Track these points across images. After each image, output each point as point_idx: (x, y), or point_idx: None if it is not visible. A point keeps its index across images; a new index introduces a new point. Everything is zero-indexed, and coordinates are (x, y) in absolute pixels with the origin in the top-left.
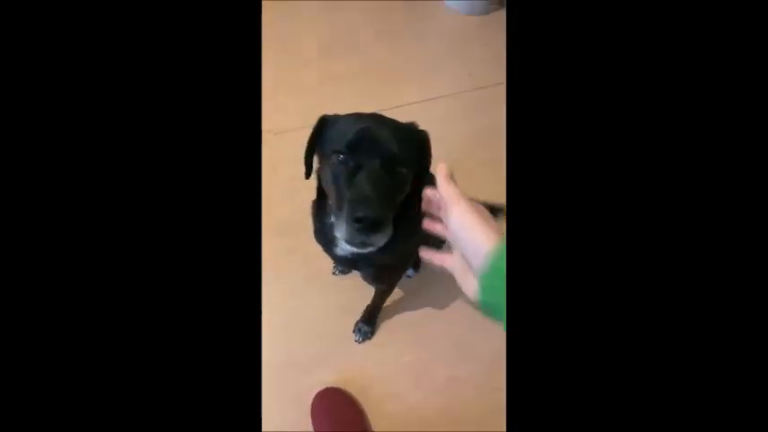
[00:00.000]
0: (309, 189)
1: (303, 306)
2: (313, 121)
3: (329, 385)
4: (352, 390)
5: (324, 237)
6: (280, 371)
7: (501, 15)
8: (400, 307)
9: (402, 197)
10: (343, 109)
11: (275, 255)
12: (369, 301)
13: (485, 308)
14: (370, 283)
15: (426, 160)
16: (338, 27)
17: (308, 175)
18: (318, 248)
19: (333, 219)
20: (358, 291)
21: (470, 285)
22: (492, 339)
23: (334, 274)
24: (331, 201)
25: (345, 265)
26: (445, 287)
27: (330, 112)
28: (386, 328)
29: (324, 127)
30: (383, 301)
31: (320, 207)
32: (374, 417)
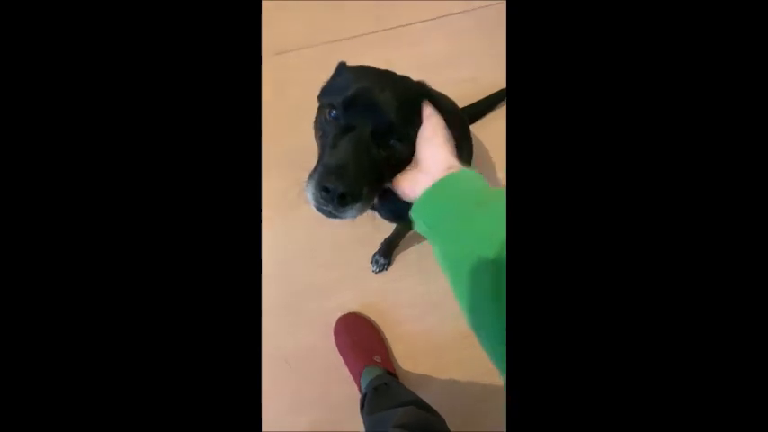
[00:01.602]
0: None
1: (320, 237)
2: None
3: (348, 309)
4: (369, 313)
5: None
6: (301, 294)
7: None
8: (415, 241)
9: (392, 173)
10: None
11: (291, 185)
12: (384, 235)
13: (416, 215)
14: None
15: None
16: None
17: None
18: None
19: (306, 188)
20: (372, 224)
21: (411, 187)
22: None
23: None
24: (319, 163)
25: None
26: None
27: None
28: (401, 261)
29: (337, 75)
30: (401, 237)
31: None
32: (392, 337)
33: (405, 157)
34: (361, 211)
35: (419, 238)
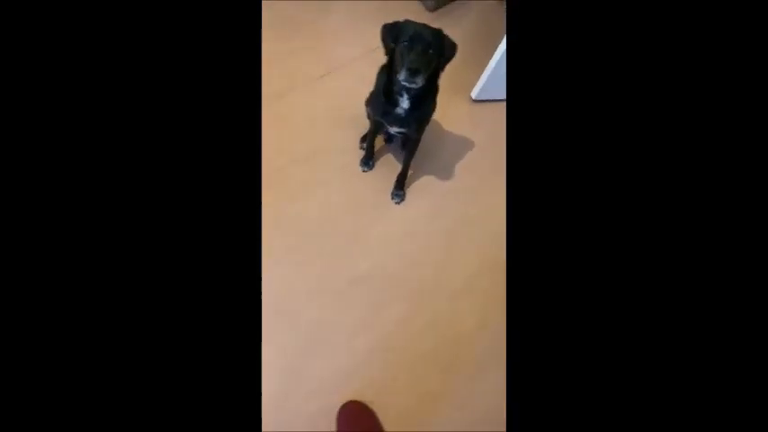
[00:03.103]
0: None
1: (350, 187)
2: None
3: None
4: (394, 231)
5: (383, 104)
6: (348, 213)
7: None
8: (422, 178)
9: (430, 67)
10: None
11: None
12: (392, 182)
13: None
14: (405, 140)
15: (445, 53)
16: None
17: (387, 53)
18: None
19: (401, 76)
20: (384, 180)
21: None
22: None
23: (364, 171)
24: (397, 65)
25: (397, 122)
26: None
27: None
28: (411, 194)
29: (392, 28)
30: (411, 157)
31: (384, 86)
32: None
33: (434, 60)
34: (422, 82)
35: (421, 172)
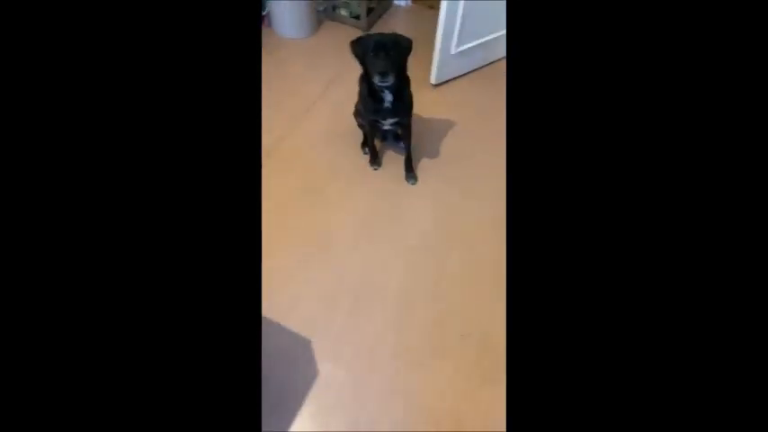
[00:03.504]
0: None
1: (372, 185)
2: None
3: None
4: (398, 206)
5: (372, 104)
6: (380, 203)
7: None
8: (430, 155)
9: (396, 66)
10: None
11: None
12: (401, 170)
13: None
14: (398, 128)
15: (403, 50)
16: None
17: (360, 63)
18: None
19: (375, 79)
20: (395, 170)
21: None
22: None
23: (375, 169)
24: (370, 71)
25: (388, 114)
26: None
27: None
28: (420, 173)
29: (357, 43)
30: (409, 141)
31: (368, 90)
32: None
33: (398, 60)
34: (393, 80)
35: (424, 155)
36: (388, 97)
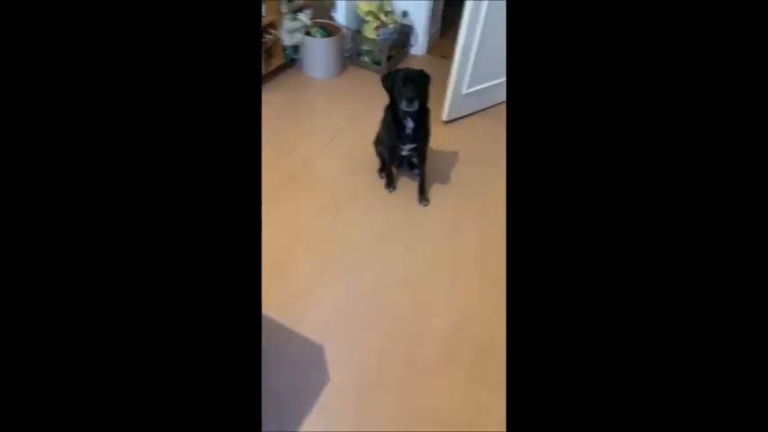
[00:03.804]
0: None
1: (387, 206)
2: None
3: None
4: (411, 224)
5: (395, 131)
6: (395, 223)
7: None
8: (441, 181)
9: (420, 95)
10: None
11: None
12: (414, 194)
13: None
14: (416, 154)
15: (428, 85)
16: None
17: (389, 94)
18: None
19: (402, 105)
20: (408, 194)
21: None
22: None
23: (390, 191)
24: (398, 98)
25: (409, 141)
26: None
27: None
28: (436, 197)
29: (388, 76)
30: (424, 166)
31: (393, 117)
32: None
33: (422, 90)
34: (417, 106)
35: (434, 186)
36: (410, 124)
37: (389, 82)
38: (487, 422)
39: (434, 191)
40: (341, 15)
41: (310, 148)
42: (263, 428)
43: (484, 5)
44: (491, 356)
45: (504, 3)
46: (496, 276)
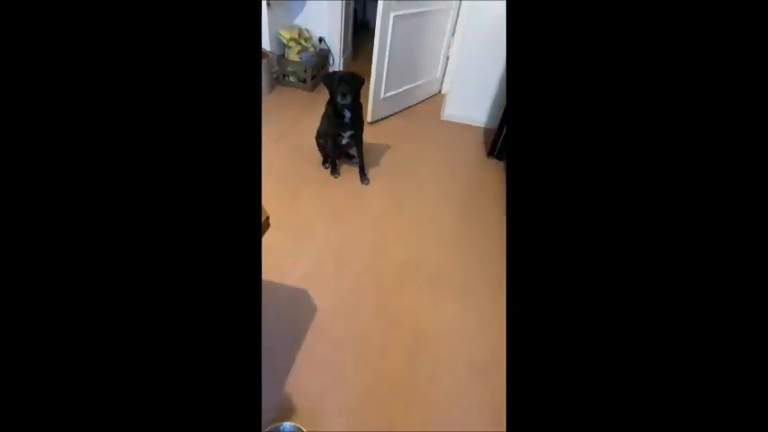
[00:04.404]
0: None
1: (335, 189)
2: None
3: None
4: (357, 199)
5: (335, 120)
6: (342, 201)
7: None
8: (375, 165)
9: (352, 91)
10: None
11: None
12: (356, 176)
13: None
14: (353, 141)
15: (357, 82)
16: None
17: (329, 90)
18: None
19: (338, 98)
20: (351, 177)
21: None
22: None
23: (336, 177)
24: (335, 94)
25: (348, 128)
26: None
27: None
28: (373, 177)
29: (327, 76)
30: (361, 151)
31: (333, 110)
32: (380, 194)
33: (353, 86)
34: (350, 100)
35: (375, 164)
36: (348, 114)
37: (329, 80)
38: (442, 321)
39: (372, 173)
40: (265, 42)
41: (262, 148)
42: (275, 349)
43: (390, 26)
44: (439, 278)
45: (409, 22)
46: (430, 224)
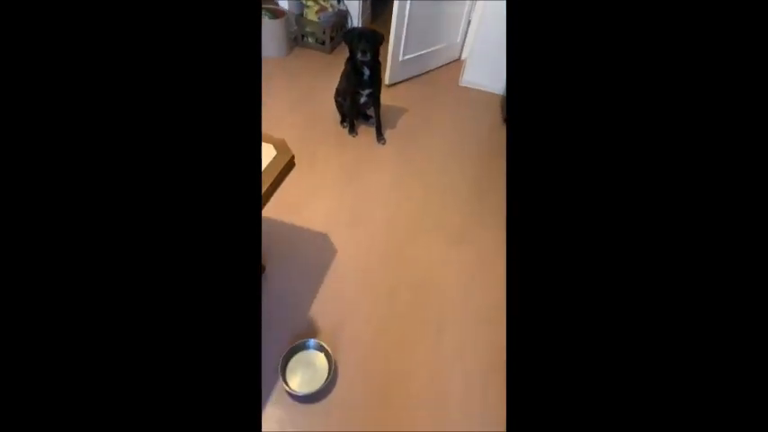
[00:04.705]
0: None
1: (352, 147)
2: None
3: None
4: (374, 157)
5: (354, 78)
6: (359, 159)
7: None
8: (391, 127)
9: (372, 47)
10: None
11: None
12: (373, 136)
13: None
14: (371, 100)
15: (378, 39)
16: None
17: (348, 47)
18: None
19: (358, 55)
20: (367, 137)
21: None
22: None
23: (353, 136)
24: (355, 50)
25: (366, 86)
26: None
27: None
28: (389, 139)
29: (348, 33)
30: (378, 110)
31: (352, 67)
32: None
33: (373, 43)
34: (370, 56)
35: (392, 125)
36: (367, 72)
37: (349, 37)
38: (451, 264)
39: (388, 135)
40: (284, 2)
41: (280, 110)
42: (297, 282)
43: None
44: (449, 231)
45: None
46: (443, 183)
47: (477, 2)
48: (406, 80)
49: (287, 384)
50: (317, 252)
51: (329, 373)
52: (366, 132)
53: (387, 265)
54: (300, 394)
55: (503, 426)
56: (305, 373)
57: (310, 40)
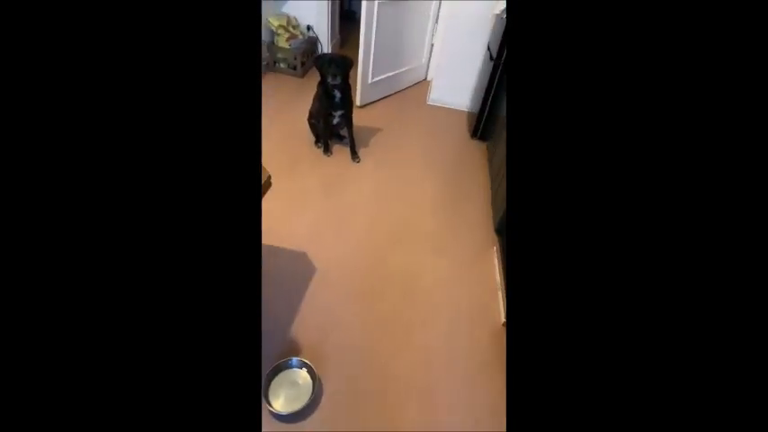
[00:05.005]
0: None
1: (327, 166)
2: None
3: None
4: (350, 175)
5: (326, 101)
6: (333, 177)
7: None
8: (365, 146)
9: (341, 72)
10: None
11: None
12: (348, 155)
13: None
14: (344, 121)
15: (350, 65)
16: None
17: (320, 72)
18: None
19: (329, 79)
20: (342, 156)
21: None
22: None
23: (328, 156)
24: (326, 75)
25: (338, 108)
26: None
27: None
28: (363, 157)
29: (319, 58)
30: (351, 130)
31: (324, 91)
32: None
33: (342, 68)
34: (340, 80)
35: (367, 144)
36: (338, 95)
37: (320, 62)
38: (432, 271)
39: (362, 153)
40: None
41: None
42: (277, 300)
43: (375, 13)
44: (428, 241)
45: (393, 10)
46: (419, 196)
47: (439, 26)
48: (377, 101)
49: (270, 405)
50: (296, 270)
51: (313, 390)
52: (341, 151)
53: (368, 275)
54: (284, 414)
55: (493, 427)
56: (288, 393)
57: (282, 65)
